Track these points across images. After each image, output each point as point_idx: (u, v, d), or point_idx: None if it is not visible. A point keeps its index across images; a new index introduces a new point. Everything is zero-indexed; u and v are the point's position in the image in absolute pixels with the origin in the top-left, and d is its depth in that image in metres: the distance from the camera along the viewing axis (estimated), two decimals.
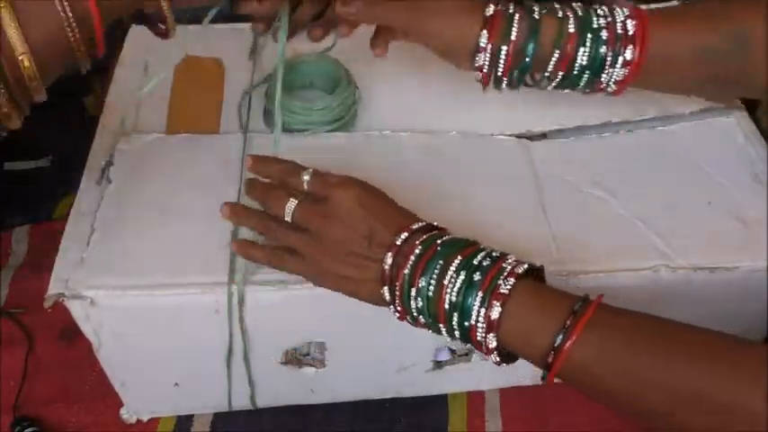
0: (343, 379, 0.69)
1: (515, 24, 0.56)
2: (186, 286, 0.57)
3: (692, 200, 0.64)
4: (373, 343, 0.65)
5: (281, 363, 0.66)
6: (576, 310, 0.46)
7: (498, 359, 0.50)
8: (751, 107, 0.73)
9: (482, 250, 0.51)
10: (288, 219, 0.54)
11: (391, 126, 0.70)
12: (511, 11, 0.57)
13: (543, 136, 0.71)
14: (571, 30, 0.56)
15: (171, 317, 0.59)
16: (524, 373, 0.74)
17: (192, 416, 0.72)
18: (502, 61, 0.57)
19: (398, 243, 0.51)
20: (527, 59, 0.57)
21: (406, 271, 0.50)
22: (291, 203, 0.54)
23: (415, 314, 0.51)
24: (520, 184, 0.65)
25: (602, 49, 0.56)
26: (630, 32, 0.56)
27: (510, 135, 0.70)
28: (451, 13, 0.58)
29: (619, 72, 0.57)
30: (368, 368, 0.69)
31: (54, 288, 0.57)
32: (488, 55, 0.57)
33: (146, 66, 0.74)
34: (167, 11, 0.49)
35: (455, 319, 0.49)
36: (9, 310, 0.80)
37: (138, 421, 0.72)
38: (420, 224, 0.52)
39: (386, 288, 0.52)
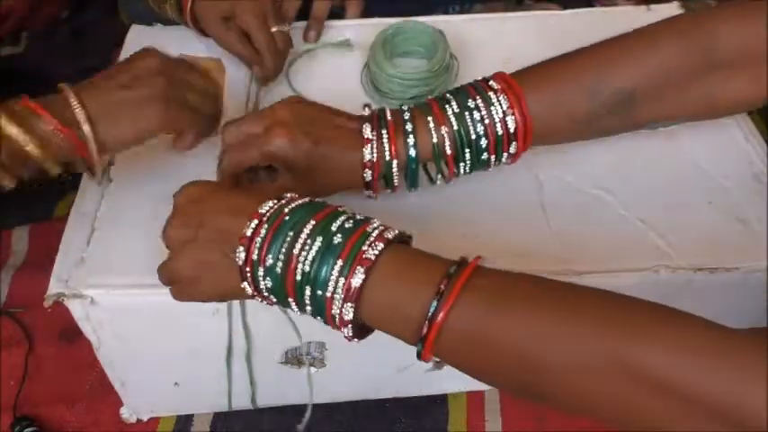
0: (343, 379, 0.69)
1: (395, 171, 0.56)
2: None
3: (693, 200, 0.64)
4: (373, 343, 0.65)
5: (281, 362, 0.66)
6: (451, 273, 0.41)
7: (351, 334, 0.44)
8: None
9: (342, 213, 0.46)
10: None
11: None
12: (387, 157, 0.55)
13: None
14: (448, 152, 0.56)
15: (171, 317, 0.59)
16: None
17: (192, 416, 0.72)
18: (391, 190, 0.59)
19: (246, 232, 0.46)
20: (413, 188, 0.59)
21: (254, 257, 0.45)
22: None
23: (265, 294, 0.46)
24: (520, 184, 0.65)
25: (485, 156, 0.57)
26: (512, 129, 0.55)
27: None
28: (340, 176, 0.57)
29: (506, 161, 0.58)
30: (368, 368, 0.69)
31: (54, 288, 0.57)
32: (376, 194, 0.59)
33: None
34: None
35: (307, 291, 0.44)
36: (9, 310, 0.80)
37: (138, 421, 0.72)
38: (267, 204, 0.47)
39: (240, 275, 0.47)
